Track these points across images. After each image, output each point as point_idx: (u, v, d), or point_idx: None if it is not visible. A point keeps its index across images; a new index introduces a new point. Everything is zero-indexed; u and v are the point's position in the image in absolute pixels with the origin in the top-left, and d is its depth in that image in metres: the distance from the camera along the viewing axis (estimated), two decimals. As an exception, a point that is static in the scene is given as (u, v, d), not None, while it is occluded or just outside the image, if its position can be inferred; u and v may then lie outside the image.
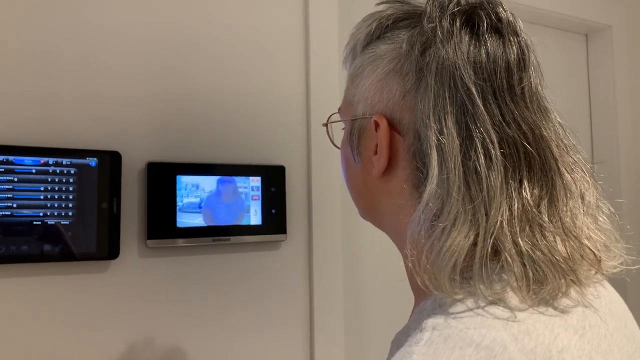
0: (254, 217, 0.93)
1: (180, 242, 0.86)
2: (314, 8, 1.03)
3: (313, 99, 1.01)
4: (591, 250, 0.38)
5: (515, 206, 0.37)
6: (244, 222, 0.92)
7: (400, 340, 0.40)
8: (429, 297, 0.39)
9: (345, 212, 1.05)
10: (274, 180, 0.96)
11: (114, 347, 0.82)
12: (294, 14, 1.02)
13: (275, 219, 0.94)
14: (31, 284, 0.77)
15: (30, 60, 0.79)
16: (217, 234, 0.89)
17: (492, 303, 0.35)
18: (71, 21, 0.82)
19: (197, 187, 0.89)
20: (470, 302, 0.35)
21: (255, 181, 0.94)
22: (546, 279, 0.36)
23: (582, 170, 0.41)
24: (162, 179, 0.86)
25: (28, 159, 0.76)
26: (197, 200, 0.88)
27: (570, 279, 0.37)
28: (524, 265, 0.36)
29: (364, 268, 1.10)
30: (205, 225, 0.88)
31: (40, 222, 0.76)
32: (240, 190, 0.92)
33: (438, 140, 0.38)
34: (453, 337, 0.33)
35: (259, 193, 0.94)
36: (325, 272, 1.00)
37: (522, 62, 0.41)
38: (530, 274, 0.35)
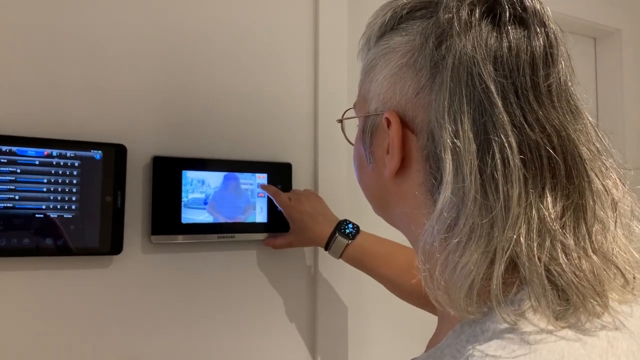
0: (260, 215, 0.92)
1: (185, 238, 0.85)
2: (324, 6, 1.01)
3: (321, 96, 1.00)
4: (618, 268, 0.35)
5: (535, 219, 0.34)
6: (249, 220, 0.91)
7: None
8: (465, 320, 0.36)
9: (352, 211, 1.03)
10: (280, 178, 0.94)
11: (116, 343, 0.80)
12: (304, 10, 1.01)
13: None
14: (31, 278, 0.75)
15: (36, 50, 0.77)
16: (222, 231, 0.88)
17: (548, 332, 0.32)
18: (78, 12, 0.80)
19: (203, 182, 0.87)
20: (514, 329, 0.32)
21: (262, 178, 0.92)
22: (569, 302, 0.33)
23: (616, 176, 0.38)
24: (167, 173, 0.84)
25: (31, 150, 0.74)
26: (203, 196, 0.87)
27: (596, 302, 0.34)
28: (542, 286, 0.33)
29: (369, 269, 1.09)
30: (210, 221, 0.87)
31: (42, 215, 0.74)
32: (246, 187, 0.91)
33: (453, 143, 0.35)
34: None
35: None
36: (331, 271, 0.98)
37: (550, 56, 0.37)
38: (553, 296, 0.33)
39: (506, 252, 0.33)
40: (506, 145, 0.34)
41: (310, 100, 1.00)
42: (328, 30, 1.01)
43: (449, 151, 0.36)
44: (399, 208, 0.44)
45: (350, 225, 0.84)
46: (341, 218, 0.86)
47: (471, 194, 0.34)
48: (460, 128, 0.35)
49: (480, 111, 0.36)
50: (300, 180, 0.98)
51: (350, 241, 0.81)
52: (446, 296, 0.35)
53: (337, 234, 0.82)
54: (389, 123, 0.42)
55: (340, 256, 0.82)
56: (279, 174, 0.94)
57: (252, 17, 0.95)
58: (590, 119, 0.39)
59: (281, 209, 0.89)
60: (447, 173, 0.35)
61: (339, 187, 1.01)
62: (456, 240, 0.34)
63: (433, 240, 0.36)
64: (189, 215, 0.85)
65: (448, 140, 0.36)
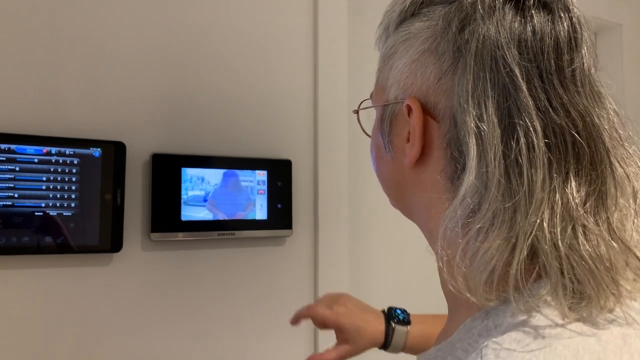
0: (260, 212, 0.92)
1: (185, 235, 0.85)
2: (324, 5, 1.01)
3: (320, 93, 1.00)
4: (637, 256, 0.35)
5: (558, 204, 0.33)
6: (249, 217, 0.91)
7: None
8: (477, 314, 0.36)
9: (352, 207, 1.03)
10: (280, 175, 0.94)
11: (116, 340, 0.80)
12: (303, 8, 1.00)
13: (280, 214, 0.93)
14: (31, 276, 0.75)
15: (35, 48, 0.77)
16: (221, 228, 0.88)
17: (562, 326, 0.32)
18: (79, 10, 0.80)
19: (203, 180, 0.87)
20: (528, 322, 0.32)
21: (261, 175, 0.92)
22: (584, 293, 0.33)
23: (637, 165, 0.37)
24: (167, 171, 0.84)
25: (30, 148, 0.74)
26: (202, 193, 0.87)
27: (610, 290, 0.33)
28: (562, 273, 0.33)
29: (371, 264, 1.09)
30: (210, 219, 0.87)
31: (41, 213, 0.74)
32: (245, 184, 0.91)
33: (477, 127, 0.35)
34: None
35: (265, 187, 0.92)
36: (331, 268, 0.98)
37: (574, 40, 0.37)
38: (570, 284, 0.32)
39: (528, 238, 0.33)
40: (531, 129, 0.34)
41: (310, 97, 1.00)
42: (328, 27, 1.01)
43: (473, 135, 0.35)
44: (417, 197, 0.44)
45: (399, 310, 0.75)
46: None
47: (495, 178, 0.34)
48: (484, 112, 0.35)
49: (504, 95, 0.35)
50: (300, 177, 0.97)
51: (408, 327, 0.73)
52: (465, 283, 0.34)
53: (392, 324, 0.72)
54: (409, 110, 0.41)
55: (403, 348, 0.72)
56: (279, 171, 0.94)
57: (252, 16, 0.95)
58: (613, 105, 0.38)
59: (329, 325, 0.72)
60: (471, 158, 0.35)
61: (338, 183, 1.00)
62: (478, 225, 0.34)
63: (455, 225, 0.35)
64: (189, 213, 0.85)
65: (472, 125, 0.35)
